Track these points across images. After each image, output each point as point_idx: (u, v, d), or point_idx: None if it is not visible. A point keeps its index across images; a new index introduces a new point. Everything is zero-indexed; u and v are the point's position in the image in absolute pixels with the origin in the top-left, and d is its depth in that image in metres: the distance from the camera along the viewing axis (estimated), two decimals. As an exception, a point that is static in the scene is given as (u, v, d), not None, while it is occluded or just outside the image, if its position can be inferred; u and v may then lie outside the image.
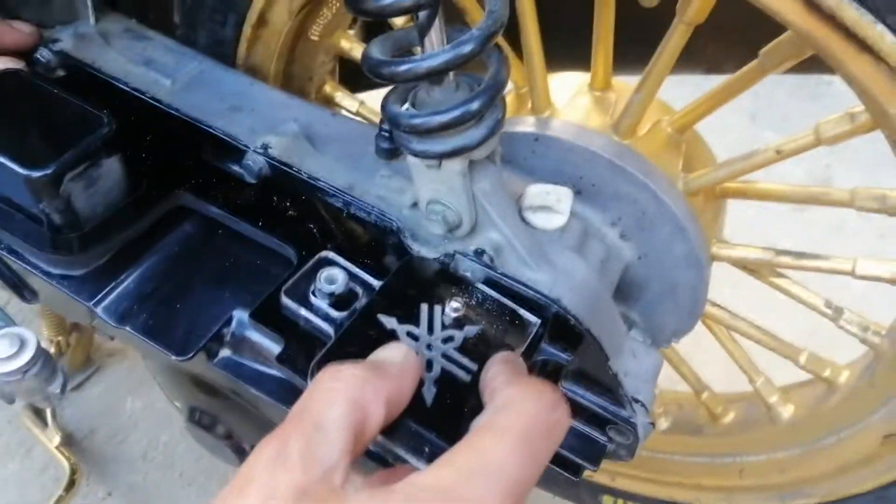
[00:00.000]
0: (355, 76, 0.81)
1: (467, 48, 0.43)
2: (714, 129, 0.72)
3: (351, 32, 0.76)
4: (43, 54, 0.59)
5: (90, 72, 0.59)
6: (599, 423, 0.54)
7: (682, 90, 0.74)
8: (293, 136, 0.56)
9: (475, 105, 0.45)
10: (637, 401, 0.54)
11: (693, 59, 0.83)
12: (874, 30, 0.42)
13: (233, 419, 0.53)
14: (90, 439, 1.18)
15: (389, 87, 0.48)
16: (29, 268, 0.47)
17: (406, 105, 0.48)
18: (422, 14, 0.44)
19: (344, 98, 0.78)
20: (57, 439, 1.11)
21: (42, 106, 0.47)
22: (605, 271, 0.60)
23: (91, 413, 1.21)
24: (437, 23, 0.45)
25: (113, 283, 0.48)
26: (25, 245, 0.48)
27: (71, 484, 1.05)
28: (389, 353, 0.39)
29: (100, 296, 0.47)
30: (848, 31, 0.43)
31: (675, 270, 0.63)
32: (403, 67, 0.44)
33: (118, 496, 1.11)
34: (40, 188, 0.43)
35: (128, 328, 0.45)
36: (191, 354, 0.45)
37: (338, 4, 0.67)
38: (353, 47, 0.72)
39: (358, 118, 0.78)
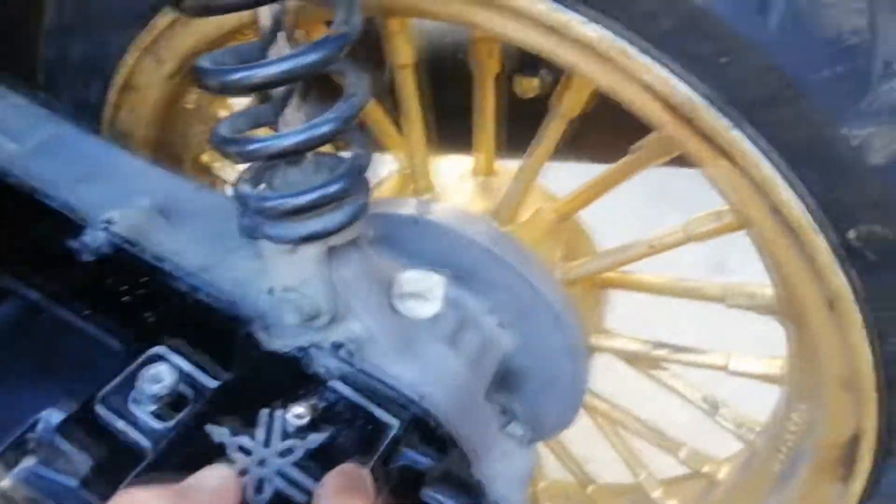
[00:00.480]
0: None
1: (323, 129, 0.40)
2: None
3: (233, 101, 0.73)
4: None
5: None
6: (465, 533, 0.50)
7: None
8: (143, 211, 0.52)
9: (333, 188, 0.42)
10: (505, 507, 0.50)
11: (577, 148, 0.84)
12: (730, 135, 0.42)
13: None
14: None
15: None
16: None
17: (262, 185, 0.45)
18: (276, 91, 0.41)
19: (223, 168, 0.74)
20: None
21: None
22: (479, 363, 0.57)
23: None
24: (293, 101, 0.42)
25: None
26: None
27: None
28: (203, 477, 0.34)
29: None
30: (705, 135, 0.43)
31: (554, 361, 0.61)
32: (252, 147, 0.41)
33: None
34: None
35: None
36: (-19, 463, 0.38)
37: (213, 74, 0.64)
38: (233, 117, 0.69)
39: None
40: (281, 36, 0.40)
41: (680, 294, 0.61)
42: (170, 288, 0.48)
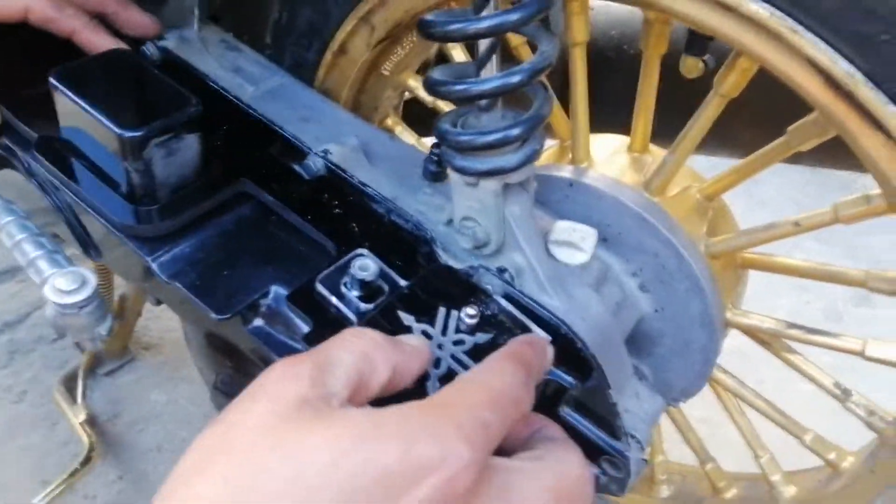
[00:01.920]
0: (418, 120, 0.88)
1: (516, 78, 0.48)
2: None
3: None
4: (149, 48, 0.67)
5: (186, 68, 0.66)
6: (593, 454, 0.56)
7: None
8: (351, 148, 0.63)
9: (516, 131, 0.50)
10: (633, 437, 0.56)
11: (730, 143, 0.88)
12: (886, 110, 0.46)
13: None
14: (112, 423, 1.23)
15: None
16: (104, 223, 0.53)
17: (457, 126, 0.54)
18: (482, 44, 0.50)
19: (402, 132, 0.85)
20: (82, 416, 1.16)
21: (143, 83, 0.55)
22: (619, 315, 0.63)
23: (117, 399, 1.27)
24: (494, 58, 0.51)
25: (170, 246, 0.53)
26: (104, 206, 0.54)
27: (87, 460, 1.10)
28: (407, 337, 0.43)
29: (157, 254, 0.52)
30: (863, 110, 0.47)
31: (689, 328, 0.66)
32: (459, 87, 0.50)
33: (128, 481, 1.15)
34: (129, 148, 0.50)
35: (177, 284, 0.51)
36: (228, 315, 0.50)
37: (411, 45, 0.74)
38: (419, 87, 0.79)
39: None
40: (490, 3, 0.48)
41: (821, 277, 0.64)
42: (369, 208, 0.58)
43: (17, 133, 0.58)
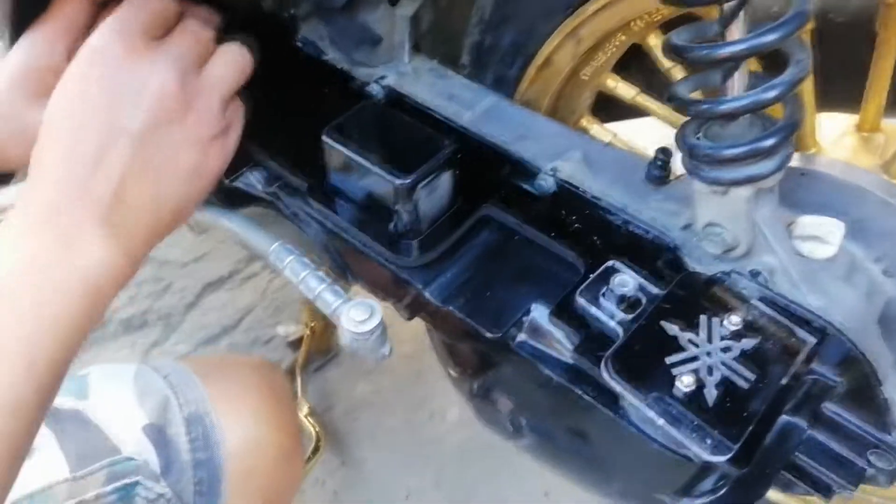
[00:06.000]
0: (606, 108, 0.89)
1: (771, 94, 0.48)
2: None
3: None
4: (374, 88, 0.74)
5: (409, 102, 0.72)
6: (860, 447, 0.56)
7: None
8: (576, 162, 0.65)
9: (770, 142, 0.50)
10: (902, 430, 0.54)
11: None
12: None
13: (514, 400, 0.62)
14: (328, 414, 1.36)
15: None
16: (375, 256, 0.60)
17: (699, 135, 0.54)
18: (727, 6, 0.47)
19: (599, 131, 0.86)
20: (305, 410, 1.30)
21: (396, 129, 0.61)
22: (870, 302, 0.61)
23: (329, 392, 1.40)
24: (741, 16, 0.47)
25: (435, 274, 0.59)
26: (373, 243, 0.61)
27: (316, 449, 1.23)
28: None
29: (427, 282, 0.58)
30: None
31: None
32: (705, 107, 0.51)
33: (350, 466, 1.27)
34: (401, 193, 0.56)
35: (451, 307, 0.56)
36: (500, 333, 0.54)
37: (613, 49, 0.75)
38: (618, 86, 0.80)
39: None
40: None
41: None
42: (606, 220, 0.60)
43: (284, 181, 0.67)
